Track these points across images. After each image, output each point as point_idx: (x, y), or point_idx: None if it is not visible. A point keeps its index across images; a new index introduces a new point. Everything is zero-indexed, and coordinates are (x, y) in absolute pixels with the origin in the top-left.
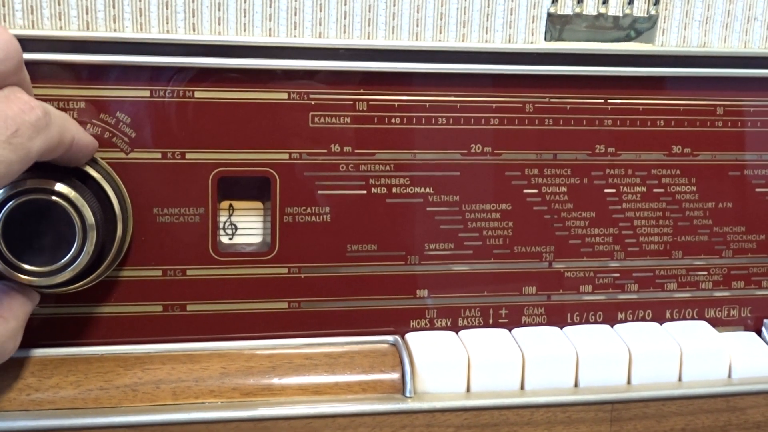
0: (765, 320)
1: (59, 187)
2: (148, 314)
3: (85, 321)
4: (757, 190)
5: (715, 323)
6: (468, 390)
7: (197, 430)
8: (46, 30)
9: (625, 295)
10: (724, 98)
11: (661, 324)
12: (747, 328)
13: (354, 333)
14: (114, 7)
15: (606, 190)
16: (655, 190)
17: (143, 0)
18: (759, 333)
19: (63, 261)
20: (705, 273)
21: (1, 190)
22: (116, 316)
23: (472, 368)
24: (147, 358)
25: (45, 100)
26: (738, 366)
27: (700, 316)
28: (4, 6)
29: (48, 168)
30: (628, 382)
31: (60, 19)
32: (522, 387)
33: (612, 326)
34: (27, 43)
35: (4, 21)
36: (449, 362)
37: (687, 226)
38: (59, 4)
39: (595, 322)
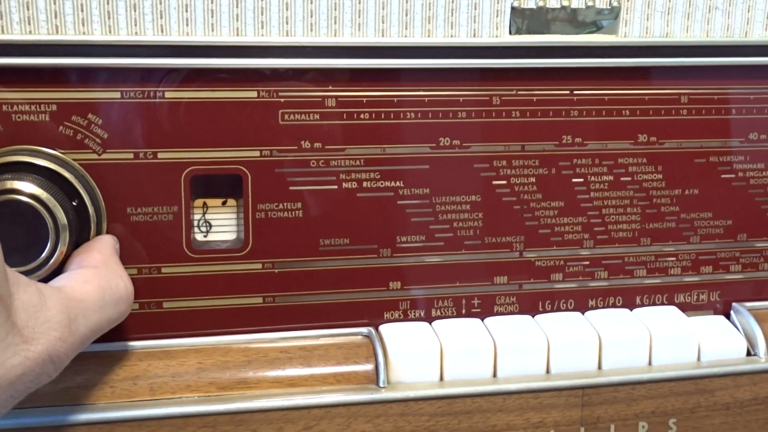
0: (733, 304)
1: (32, 188)
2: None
3: None
4: (723, 176)
5: (685, 308)
6: (441, 379)
7: (174, 425)
8: (16, 34)
9: (596, 283)
10: (688, 87)
11: (631, 310)
12: (716, 312)
13: (328, 326)
14: (82, 11)
15: (574, 180)
16: (622, 178)
17: (111, 3)
18: (728, 316)
19: (37, 261)
20: (673, 259)
21: None
22: None
23: (445, 357)
24: (124, 355)
25: (17, 104)
26: (707, 349)
27: (670, 302)
28: None
29: (21, 169)
30: (599, 367)
31: (29, 24)
32: (495, 375)
33: (583, 313)
34: (4, 48)
35: None
36: (422, 352)
37: (654, 213)
38: (28, 9)
39: (567, 310)
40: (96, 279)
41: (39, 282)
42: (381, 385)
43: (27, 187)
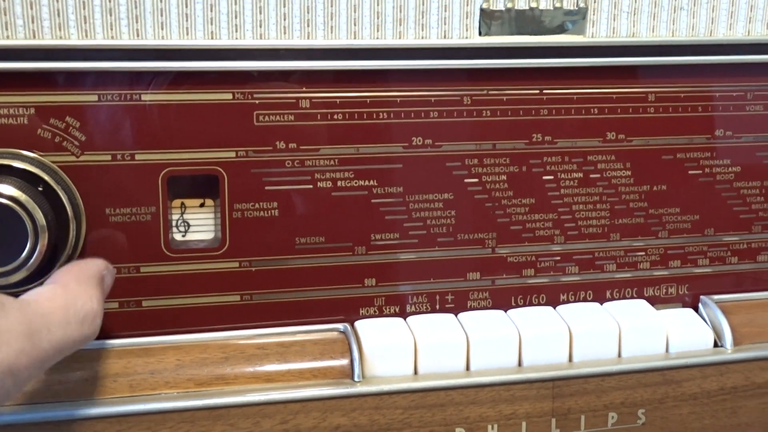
0: (701, 297)
1: (10, 190)
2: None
3: None
4: (690, 172)
5: (654, 301)
6: (415, 373)
7: (154, 420)
8: None
9: (567, 278)
10: (655, 85)
11: (601, 304)
12: (685, 305)
13: (305, 322)
14: (59, 16)
15: (544, 177)
16: (591, 175)
17: (87, 8)
18: (696, 309)
19: (16, 262)
20: (643, 253)
21: None
22: None
23: (419, 352)
24: (103, 353)
25: (3, 107)
26: (675, 341)
27: (639, 295)
28: None
29: (0, 171)
30: (570, 360)
31: (6, 29)
32: (467, 368)
33: (554, 308)
34: None
35: None
36: (396, 347)
37: (624, 209)
38: (5, 14)
39: (539, 305)
40: (63, 296)
41: (1, 293)
42: (356, 379)
43: (6, 189)
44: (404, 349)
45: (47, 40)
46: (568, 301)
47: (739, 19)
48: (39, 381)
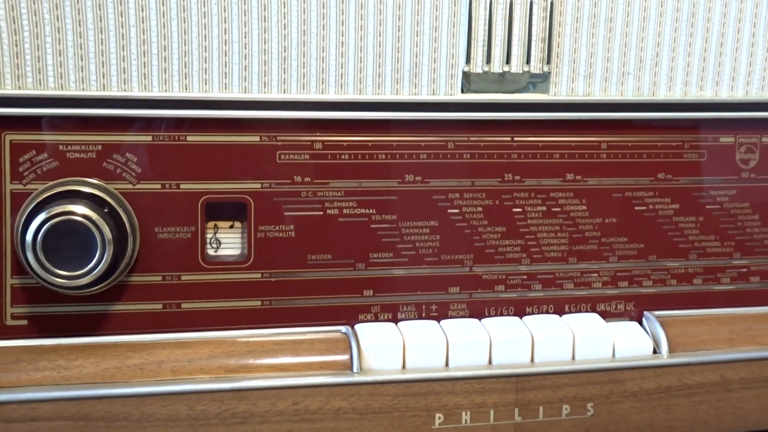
0: (645, 312)
1: (84, 211)
2: (150, 311)
3: (103, 316)
4: (636, 208)
5: (605, 315)
6: (403, 367)
7: (191, 399)
8: (72, 91)
9: (532, 294)
10: (607, 136)
11: (560, 316)
12: (631, 319)
13: (314, 324)
14: (125, 73)
15: (514, 210)
16: (553, 209)
17: (147, 67)
18: (640, 322)
19: (87, 268)
20: (596, 275)
21: (42, 214)
22: (126, 312)
23: (407, 350)
24: (150, 344)
25: (71, 145)
26: (620, 347)
27: (593, 310)
28: (36, 70)
29: (75, 195)
30: (532, 360)
31: (83, 82)
32: (446, 365)
33: (521, 318)
34: (59, 101)
35: (39, 81)
36: (388, 346)
37: (580, 237)
38: (82, 71)
39: (508, 315)
40: None
41: None
42: (354, 371)
43: (80, 209)
44: (395, 347)
45: (114, 92)
46: (532, 313)
47: (677, 83)
48: (99, 367)
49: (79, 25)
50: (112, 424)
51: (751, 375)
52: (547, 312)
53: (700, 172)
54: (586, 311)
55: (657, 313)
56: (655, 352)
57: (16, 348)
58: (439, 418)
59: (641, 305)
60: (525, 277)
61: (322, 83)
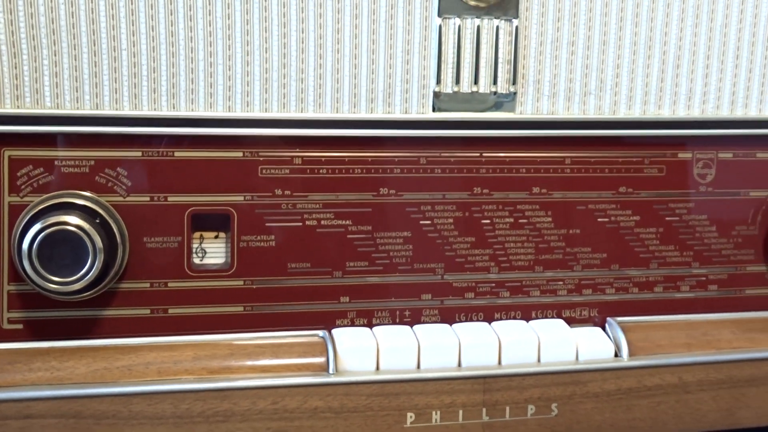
0: (608, 318)
1: (77, 221)
2: (139, 316)
3: (93, 320)
4: (599, 219)
5: (570, 321)
6: (377, 369)
7: (176, 398)
8: (66, 110)
9: (500, 300)
10: (571, 152)
11: (527, 322)
12: (594, 325)
13: (293, 329)
14: (116, 93)
15: (483, 221)
16: (520, 220)
17: (137, 87)
18: (603, 328)
19: (79, 274)
20: (561, 283)
21: (37, 224)
22: (116, 317)
23: (381, 353)
24: (138, 347)
25: (65, 160)
26: (583, 351)
27: (558, 316)
28: (34, 90)
29: (68, 207)
30: (499, 363)
31: (77, 102)
32: (418, 367)
33: (489, 323)
34: (55, 120)
35: (37, 101)
36: (363, 349)
37: (546, 247)
38: (76, 91)
39: (477, 321)
40: None
41: None
42: (331, 372)
43: (73, 220)
44: (369, 350)
45: (106, 111)
46: (501, 319)
47: (636, 102)
48: (89, 368)
49: (74, 49)
50: (102, 422)
51: (707, 377)
52: (514, 318)
53: (660, 186)
54: (552, 317)
55: (619, 319)
56: (616, 355)
57: (12, 350)
58: (411, 417)
59: (604, 312)
60: (494, 284)
61: (301, 102)
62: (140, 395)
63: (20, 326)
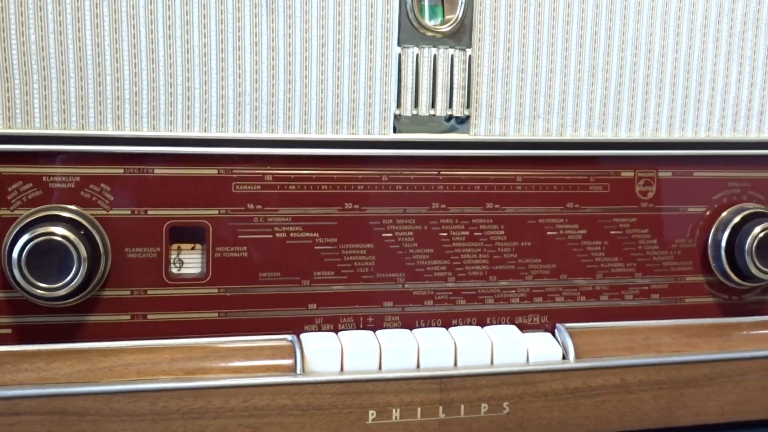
0: (557, 324)
1: (63, 232)
2: (120, 321)
3: (78, 325)
4: (548, 233)
5: (522, 327)
6: (341, 370)
7: (153, 396)
8: (54, 130)
9: (457, 308)
10: (521, 170)
11: (482, 327)
12: (545, 330)
13: (264, 333)
14: (101, 114)
15: (440, 234)
16: (475, 233)
17: (120, 109)
18: (553, 333)
19: (64, 281)
20: (513, 291)
21: (26, 234)
22: (98, 322)
23: (345, 355)
24: (119, 350)
25: (53, 176)
26: (533, 354)
27: (511, 322)
28: (25, 112)
29: (55, 219)
30: (455, 364)
31: (64, 123)
32: (380, 368)
33: (447, 329)
34: (43, 139)
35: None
36: (328, 351)
37: (499, 258)
38: (64, 113)
39: (436, 326)
40: None
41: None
42: (298, 372)
43: (60, 230)
44: (334, 353)
45: (91, 131)
46: (457, 325)
47: (581, 125)
48: (73, 369)
49: (62, 74)
50: (85, 418)
51: (648, 379)
52: (470, 324)
53: (605, 203)
54: (506, 324)
55: (567, 325)
56: (564, 358)
57: (1, 353)
58: (372, 414)
59: (554, 318)
60: (451, 293)
61: (272, 123)
62: (120, 394)
63: (9, 330)
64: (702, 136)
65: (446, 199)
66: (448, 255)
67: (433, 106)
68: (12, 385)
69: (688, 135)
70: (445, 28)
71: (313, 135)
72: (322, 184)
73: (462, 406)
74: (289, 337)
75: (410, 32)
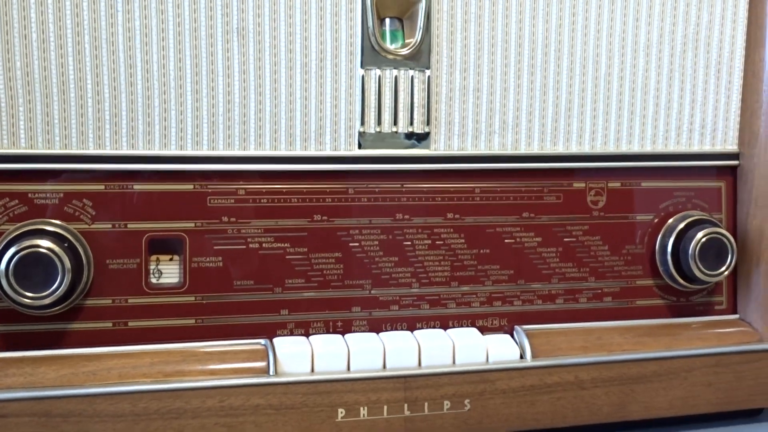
0: (515, 326)
1: (48, 244)
2: (102, 328)
3: (62, 333)
4: (506, 241)
5: (483, 330)
6: (312, 371)
7: (134, 398)
8: (39, 150)
9: (421, 312)
10: (479, 182)
11: (445, 330)
12: (504, 332)
13: (239, 338)
14: (82, 135)
15: (404, 243)
16: (437, 242)
17: (101, 130)
18: (511, 335)
19: (49, 291)
20: (474, 296)
21: (13, 247)
22: (82, 329)
23: (315, 357)
24: (102, 355)
25: (38, 193)
26: (492, 354)
27: (472, 325)
28: (11, 134)
29: (41, 232)
30: (419, 364)
31: (48, 143)
32: (348, 369)
33: (412, 332)
34: (29, 158)
35: (13, 143)
36: (299, 353)
37: (460, 265)
38: (48, 134)
39: (401, 330)
40: None
41: None
42: (271, 374)
43: (45, 243)
44: (305, 355)
45: (74, 151)
46: (421, 328)
47: (534, 140)
48: (58, 373)
49: (46, 97)
50: (69, 419)
51: (600, 376)
52: (434, 327)
53: (558, 212)
54: (467, 326)
55: (525, 326)
56: (521, 357)
57: None
58: (341, 412)
59: (512, 321)
60: (415, 298)
61: (244, 141)
62: (103, 396)
63: None
64: (648, 148)
65: (409, 210)
66: (412, 263)
67: (395, 123)
68: (0, 389)
69: (635, 148)
70: (405, 51)
71: (282, 151)
72: (292, 197)
73: (426, 404)
74: (262, 341)
75: (372, 55)
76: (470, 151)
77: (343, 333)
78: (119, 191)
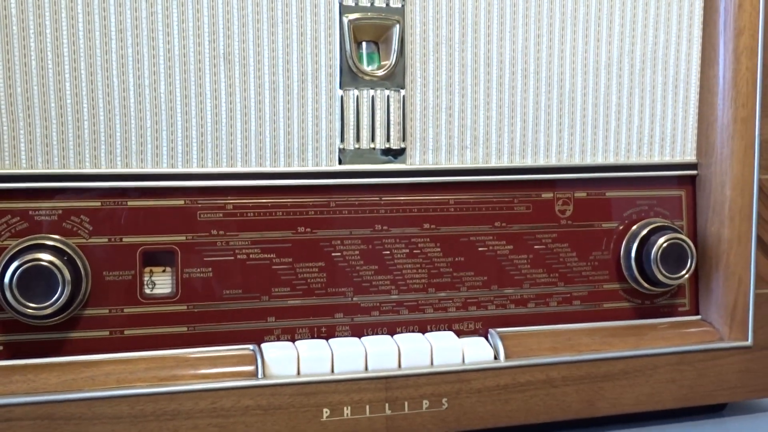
0: (489, 330)
1: (49, 258)
2: (100, 336)
3: (63, 341)
4: (479, 249)
5: (459, 333)
6: (298, 374)
7: (131, 401)
8: (40, 169)
9: (400, 317)
10: (453, 194)
11: (423, 334)
12: (479, 335)
13: (228, 344)
14: (79, 155)
15: (383, 252)
16: (414, 251)
17: (97, 150)
18: (486, 338)
19: (50, 301)
20: (450, 302)
21: (16, 261)
22: (81, 338)
23: (301, 361)
24: (100, 361)
25: (38, 210)
26: (468, 355)
27: (449, 329)
28: (12, 155)
29: (42, 247)
30: (399, 366)
31: (48, 163)
32: (332, 371)
33: (392, 336)
34: (29, 178)
35: (14, 163)
36: (286, 357)
37: (436, 272)
38: (47, 154)
39: (382, 334)
40: None
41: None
42: (259, 377)
43: (46, 257)
44: (291, 359)
45: (71, 170)
46: (401, 332)
47: (504, 153)
48: (59, 379)
49: (45, 120)
50: (70, 422)
51: (570, 374)
52: (412, 331)
53: (528, 221)
54: (444, 330)
55: (498, 329)
56: (495, 358)
57: None
58: (326, 412)
59: (487, 324)
60: (394, 304)
61: (231, 159)
62: (101, 399)
63: (1, 348)
64: (612, 160)
65: (387, 221)
66: (391, 270)
67: (373, 140)
68: (5, 395)
69: (600, 160)
70: (381, 73)
71: (267, 168)
72: (276, 210)
73: (406, 403)
74: (251, 346)
75: (351, 77)
76: (444, 165)
77: (326, 338)
78: (114, 207)
